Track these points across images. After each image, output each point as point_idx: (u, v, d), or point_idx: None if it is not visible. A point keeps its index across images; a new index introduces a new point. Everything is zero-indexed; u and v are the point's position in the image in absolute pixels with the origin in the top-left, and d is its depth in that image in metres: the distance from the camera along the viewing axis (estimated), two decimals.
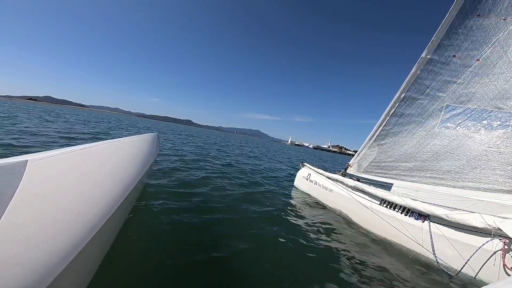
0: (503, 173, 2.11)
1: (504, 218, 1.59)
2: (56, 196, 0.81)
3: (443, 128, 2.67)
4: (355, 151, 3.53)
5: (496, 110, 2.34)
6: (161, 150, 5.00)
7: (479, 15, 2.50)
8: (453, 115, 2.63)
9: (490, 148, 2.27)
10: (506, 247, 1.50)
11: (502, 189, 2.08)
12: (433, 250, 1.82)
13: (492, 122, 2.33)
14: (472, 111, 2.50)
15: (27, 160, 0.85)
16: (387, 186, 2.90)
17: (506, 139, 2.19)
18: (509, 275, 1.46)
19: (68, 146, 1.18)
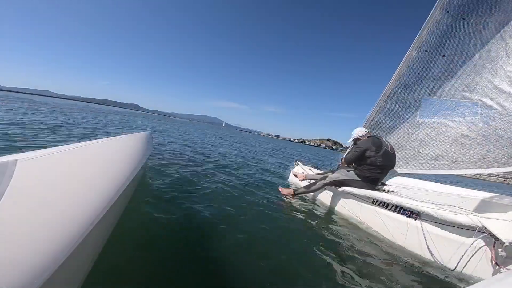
0: (478, 152, 2.65)
1: (490, 216, 1.70)
2: (47, 196, 0.79)
3: (423, 119, 3.03)
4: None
5: (465, 100, 2.79)
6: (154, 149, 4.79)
7: (448, 12, 2.73)
8: (430, 106, 3.01)
9: (464, 133, 2.77)
10: (494, 244, 1.57)
11: (478, 167, 2.63)
12: (427, 247, 1.94)
13: (464, 111, 2.80)
14: (444, 102, 2.93)
15: (16, 160, 0.84)
16: None
17: (476, 125, 2.71)
18: (498, 271, 1.54)
19: (59, 146, 1.17)
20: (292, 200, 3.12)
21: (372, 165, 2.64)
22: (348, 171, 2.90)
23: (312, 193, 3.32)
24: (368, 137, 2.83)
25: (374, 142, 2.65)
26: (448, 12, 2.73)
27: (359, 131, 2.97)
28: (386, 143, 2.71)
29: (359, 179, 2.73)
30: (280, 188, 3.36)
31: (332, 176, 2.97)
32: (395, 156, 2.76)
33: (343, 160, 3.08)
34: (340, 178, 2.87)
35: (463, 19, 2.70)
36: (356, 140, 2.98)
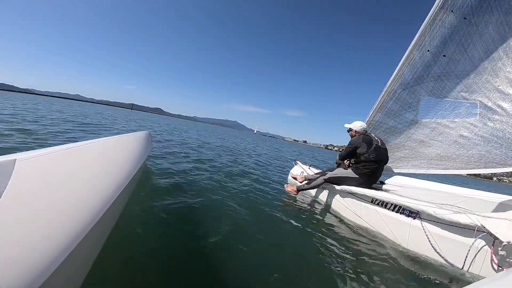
0: (477, 153, 2.67)
1: (489, 215, 1.67)
2: (46, 196, 0.79)
3: (422, 119, 3.04)
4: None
5: (465, 100, 2.80)
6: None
7: (452, 11, 2.72)
8: (430, 106, 3.00)
9: (463, 134, 2.79)
10: (493, 244, 1.55)
11: (476, 167, 2.65)
12: (426, 247, 1.93)
13: (463, 112, 2.81)
14: (444, 102, 2.93)
15: (15, 159, 0.84)
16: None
17: (475, 126, 2.72)
18: (497, 270, 1.53)
19: (58, 145, 1.15)
20: (296, 196, 3.28)
21: (367, 161, 2.75)
22: (345, 169, 3.00)
23: (314, 192, 3.39)
24: (360, 135, 2.96)
25: (365, 139, 2.81)
26: (452, 11, 2.71)
27: (359, 125, 3.07)
28: (376, 138, 2.87)
29: (357, 176, 2.79)
30: (285, 185, 3.54)
31: (331, 173, 3.05)
32: (386, 150, 2.90)
33: (338, 157, 3.20)
34: (338, 175, 2.96)
35: (465, 18, 2.69)
36: (351, 132, 3.11)
